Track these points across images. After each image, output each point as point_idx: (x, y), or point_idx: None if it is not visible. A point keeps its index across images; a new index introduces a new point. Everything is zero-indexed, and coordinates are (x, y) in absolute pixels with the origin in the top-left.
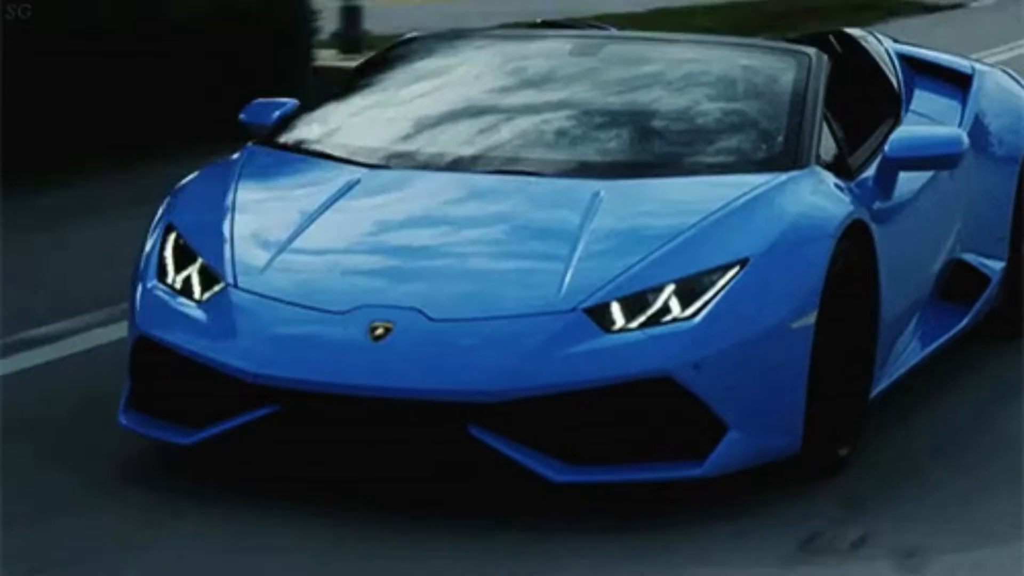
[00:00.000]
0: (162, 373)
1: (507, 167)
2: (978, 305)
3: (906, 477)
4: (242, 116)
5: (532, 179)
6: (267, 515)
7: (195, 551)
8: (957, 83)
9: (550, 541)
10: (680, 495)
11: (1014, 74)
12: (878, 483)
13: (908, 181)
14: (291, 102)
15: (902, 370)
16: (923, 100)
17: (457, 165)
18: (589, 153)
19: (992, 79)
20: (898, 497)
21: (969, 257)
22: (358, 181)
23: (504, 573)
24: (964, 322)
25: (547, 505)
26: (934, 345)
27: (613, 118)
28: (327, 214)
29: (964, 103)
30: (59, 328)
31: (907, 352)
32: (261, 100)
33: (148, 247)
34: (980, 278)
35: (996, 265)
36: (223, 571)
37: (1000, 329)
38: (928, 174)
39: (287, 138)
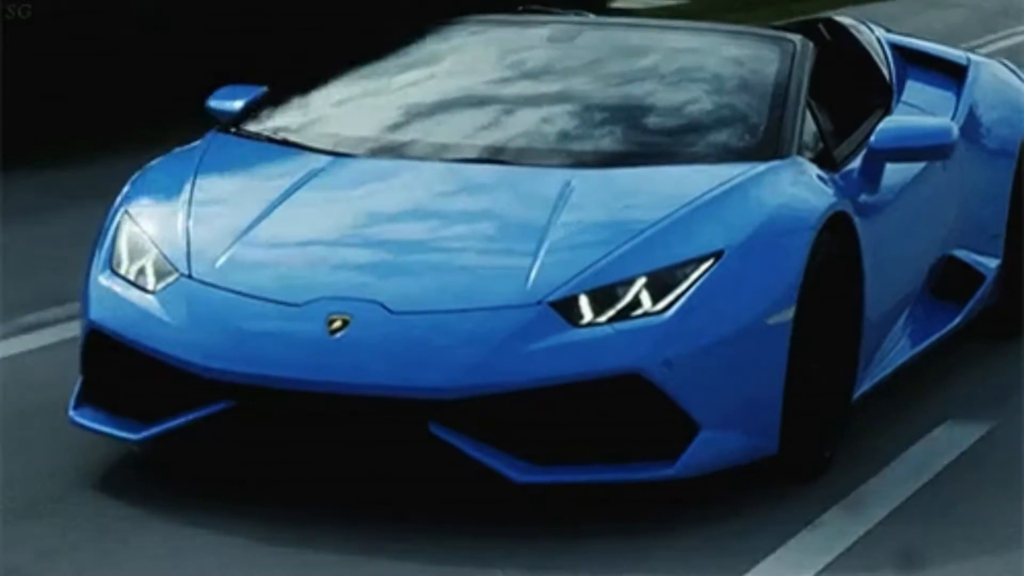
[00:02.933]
0: (114, 367)
1: (474, 156)
2: (971, 304)
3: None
4: (210, 102)
5: (500, 168)
6: (229, 514)
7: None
8: (951, 74)
9: (547, 538)
10: (673, 494)
11: (1012, 65)
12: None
13: (897, 174)
14: (260, 89)
15: (889, 369)
16: (916, 91)
17: (424, 154)
18: (561, 142)
19: (988, 70)
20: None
21: (962, 254)
22: (321, 170)
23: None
24: (956, 321)
25: (544, 504)
26: (924, 344)
27: (588, 107)
28: (287, 204)
29: (958, 94)
30: (56, 314)
31: (895, 351)
32: (230, 86)
33: (104, 235)
34: (974, 276)
35: (990, 263)
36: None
37: (999, 328)
38: (918, 167)
39: (252, 125)
